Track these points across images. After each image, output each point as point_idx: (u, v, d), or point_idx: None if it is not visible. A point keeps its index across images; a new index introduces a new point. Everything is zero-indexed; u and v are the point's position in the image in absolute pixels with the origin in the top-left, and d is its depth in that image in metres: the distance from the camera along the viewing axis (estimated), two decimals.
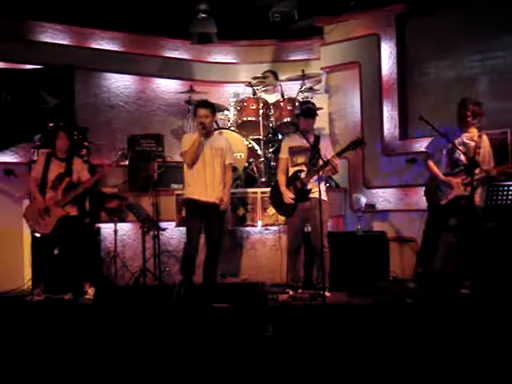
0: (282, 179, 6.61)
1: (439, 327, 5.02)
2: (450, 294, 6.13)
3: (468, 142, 6.18)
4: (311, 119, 6.54)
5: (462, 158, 6.13)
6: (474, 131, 6.19)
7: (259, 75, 8.55)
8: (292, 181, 6.52)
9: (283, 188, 6.54)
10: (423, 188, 6.58)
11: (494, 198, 6.54)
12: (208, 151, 6.43)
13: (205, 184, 6.39)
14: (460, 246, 6.29)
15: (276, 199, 6.77)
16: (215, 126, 7.52)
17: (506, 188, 6.48)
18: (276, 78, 8.75)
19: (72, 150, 6.95)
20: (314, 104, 6.96)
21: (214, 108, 6.67)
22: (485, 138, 6.22)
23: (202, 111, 6.43)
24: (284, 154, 6.65)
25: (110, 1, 8.12)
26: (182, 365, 4.19)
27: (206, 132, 6.43)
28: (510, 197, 6.44)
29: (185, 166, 6.57)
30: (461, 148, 6.12)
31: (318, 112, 7.99)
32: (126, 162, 8.00)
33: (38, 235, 6.73)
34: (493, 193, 6.54)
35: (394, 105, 8.33)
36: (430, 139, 6.55)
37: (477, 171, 5.96)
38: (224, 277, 7.39)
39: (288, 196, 6.47)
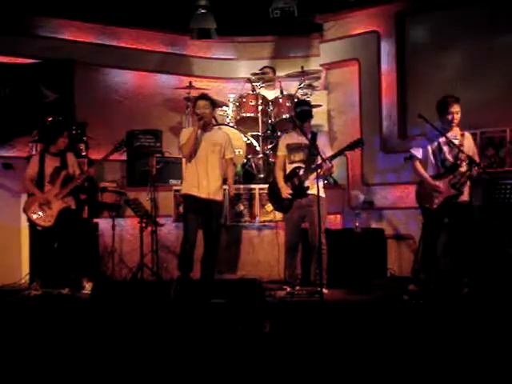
0: (279, 175, 6.61)
1: (436, 324, 5.03)
2: (447, 291, 6.14)
3: (452, 140, 6.08)
4: (306, 123, 6.50)
5: (449, 157, 6.08)
6: (456, 130, 6.12)
7: (258, 71, 8.55)
8: (290, 177, 6.52)
9: (281, 183, 6.55)
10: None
11: (492, 197, 6.55)
12: (205, 146, 6.42)
13: (200, 179, 6.38)
14: (455, 244, 6.27)
15: (273, 195, 6.77)
16: (214, 122, 7.52)
17: (504, 187, 6.49)
18: (274, 73, 8.76)
19: (67, 147, 6.97)
20: (309, 104, 6.83)
21: (214, 102, 6.68)
22: (467, 135, 6.16)
23: (202, 102, 6.45)
24: (281, 151, 6.64)
25: None
26: (179, 360, 4.20)
27: (205, 124, 6.42)
28: (507, 195, 6.45)
29: (183, 161, 6.58)
30: (446, 148, 6.08)
31: (317, 109, 8.07)
32: (123, 156, 8.03)
33: (39, 229, 6.73)
34: (492, 191, 6.55)
35: (393, 102, 8.33)
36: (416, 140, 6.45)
37: (463, 169, 5.96)
38: (221, 273, 7.39)
39: (285, 191, 6.47)
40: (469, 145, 6.09)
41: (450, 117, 6.03)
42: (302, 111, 6.52)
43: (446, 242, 6.44)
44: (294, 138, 6.56)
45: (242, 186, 7.68)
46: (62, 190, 6.69)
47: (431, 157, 6.14)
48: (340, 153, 6.43)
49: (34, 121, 7.64)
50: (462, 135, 6.07)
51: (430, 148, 6.14)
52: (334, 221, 8.16)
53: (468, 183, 6.06)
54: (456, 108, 6.03)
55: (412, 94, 8.25)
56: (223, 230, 7.49)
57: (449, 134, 6.08)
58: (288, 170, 6.57)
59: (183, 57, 9.22)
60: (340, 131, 8.82)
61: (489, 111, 7.41)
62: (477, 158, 6.04)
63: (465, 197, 6.06)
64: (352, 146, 6.34)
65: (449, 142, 6.04)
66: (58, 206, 6.67)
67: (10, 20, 7.89)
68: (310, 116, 6.55)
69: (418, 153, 6.20)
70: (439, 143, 6.10)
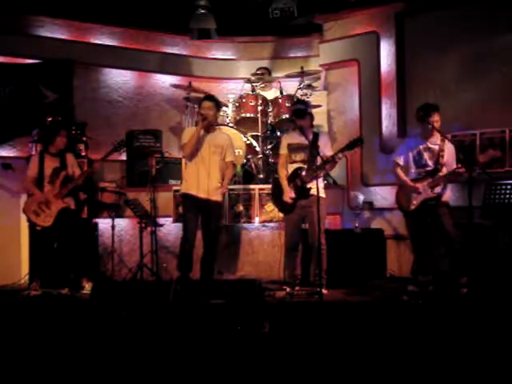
0: (283, 174, 6.60)
1: (436, 325, 5.02)
2: (447, 291, 6.14)
3: (432, 146, 6.21)
4: (303, 119, 6.50)
5: (429, 162, 6.19)
6: (436, 135, 6.20)
7: (257, 72, 8.56)
8: (292, 178, 6.51)
9: (285, 184, 6.53)
10: None
11: (491, 197, 6.55)
12: (207, 147, 6.41)
13: (200, 179, 6.36)
14: (444, 245, 6.28)
15: (276, 195, 6.76)
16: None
17: (503, 187, 6.49)
18: (269, 74, 8.79)
19: (66, 146, 6.96)
20: (305, 103, 6.89)
21: (219, 103, 6.68)
22: (447, 141, 6.24)
23: (206, 103, 6.44)
24: (284, 150, 6.64)
25: None
26: (178, 361, 4.19)
27: (207, 125, 6.41)
28: (507, 196, 6.45)
29: (183, 161, 6.57)
30: (426, 154, 6.20)
31: (316, 109, 8.08)
32: (123, 156, 8.04)
33: (38, 229, 6.72)
34: (491, 192, 6.55)
35: (393, 102, 8.32)
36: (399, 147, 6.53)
37: (442, 173, 6.10)
38: (221, 273, 7.40)
39: (288, 195, 6.46)
40: (448, 151, 6.16)
41: (430, 125, 6.11)
42: (296, 109, 6.56)
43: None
44: (295, 138, 6.56)
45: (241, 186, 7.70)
46: (61, 191, 6.69)
47: (412, 162, 6.28)
48: (340, 152, 6.42)
49: (33, 121, 7.64)
50: (443, 141, 6.12)
51: (411, 154, 6.28)
52: (334, 221, 8.16)
53: (448, 185, 6.19)
54: (436, 117, 6.14)
55: (412, 94, 8.24)
56: (223, 231, 7.49)
57: (429, 140, 6.22)
58: (289, 170, 6.56)
59: (183, 57, 9.21)
60: (340, 131, 8.81)
61: (489, 111, 7.41)
62: (454, 163, 6.13)
63: (445, 198, 6.17)
64: (351, 145, 6.33)
65: (428, 149, 6.19)
66: (57, 206, 6.67)
67: (9, 20, 7.90)
68: (305, 113, 6.54)
69: (399, 159, 6.35)
70: (419, 150, 6.23)
